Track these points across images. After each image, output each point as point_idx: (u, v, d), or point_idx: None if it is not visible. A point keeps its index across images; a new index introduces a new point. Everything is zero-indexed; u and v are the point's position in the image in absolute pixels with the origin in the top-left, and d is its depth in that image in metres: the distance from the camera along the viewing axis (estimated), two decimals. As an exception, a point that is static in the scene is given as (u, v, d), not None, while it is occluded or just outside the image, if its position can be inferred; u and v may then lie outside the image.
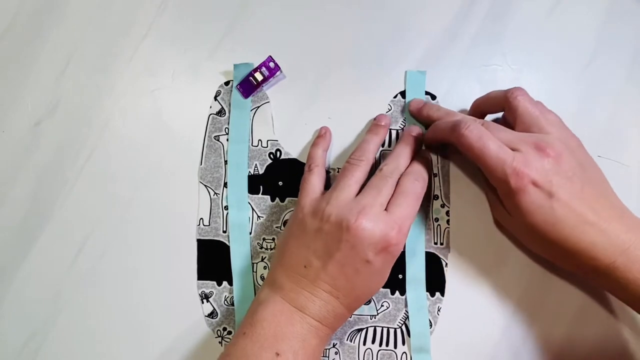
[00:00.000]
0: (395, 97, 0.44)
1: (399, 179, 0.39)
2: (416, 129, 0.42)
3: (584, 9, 0.44)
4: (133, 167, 0.43)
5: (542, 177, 0.34)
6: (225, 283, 0.42)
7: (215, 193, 0.43)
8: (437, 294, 0.42)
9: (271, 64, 0.43)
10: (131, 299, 0.42)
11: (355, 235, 0.35)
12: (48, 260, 0.42)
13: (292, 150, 0.43)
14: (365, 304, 0.42)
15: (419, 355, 0.41)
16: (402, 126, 0.43)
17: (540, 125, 0.37)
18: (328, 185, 0.42)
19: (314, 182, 0.40)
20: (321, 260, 0.36)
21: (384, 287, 0.42)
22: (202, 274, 0.42)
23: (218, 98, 0.44)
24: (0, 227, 0.43)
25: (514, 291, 0.42)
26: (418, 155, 0.41)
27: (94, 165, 0.43)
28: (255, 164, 0.43)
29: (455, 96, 0.43)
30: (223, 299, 0.42)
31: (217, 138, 0.43)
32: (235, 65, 0.44)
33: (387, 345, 0.42)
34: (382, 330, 0.42)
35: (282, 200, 0.43)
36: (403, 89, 0.44)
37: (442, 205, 0.42)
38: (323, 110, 0.44)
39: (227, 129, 0.43)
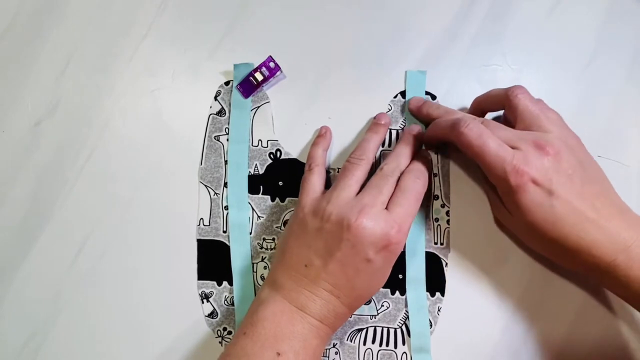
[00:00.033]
0: (395, 97, 0.44)
1: (400, 177, 0.39)
2: (416, 128, 0.42)
3: (584, 9, 0.44)
4: (133, 167, 0.43)
5: (542, 175, 0.34)
6: (225, 283, 0.42)
7: (215, 193, 0.43)
8: (437, 294, 0.42)
9: (271, 64, 0.43)
10: (131, 299, 0.42)
11: (356, 234, 0.35)
12: (48, 260, 0.42)
13: (292, 150, 0.43)
14: (365, 304, 0.42)
15: (419, 355, 0.41)
16: (402, 126, 0.43)
17: (540, 124, 0.37)
18: (328, 184, 0.42)
19: (314, 182, 0.40)
20: (322, 259, 0.36)
21: (384, 287, 0.41)
22: (202, 274, 0.42)
23: (218, 98, 0.44)
24: (0, 227, 0.43)
25: (514, 291, 0.42)
26: (418, 154, 0.41)
27: (94, 165, 0.43)
28: (256, 164, 0.43)
29: (455, 96, 0.43)
30: (223, 299, 0.42)
31: (217, 138, 0.43)
32: (235, 65, 0.44)
33: (387, 345, 0.42)
34: (382, 330, 0.42)
35: (282, 200, 0.43)
36: (403, 89, 0.44)
37: (442, 205, 0.42)
38: (323, 110, 0.44)
39: (227, 129, 0.43)
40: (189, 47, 0.44)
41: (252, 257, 0.43)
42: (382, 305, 0.42)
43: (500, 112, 0.42)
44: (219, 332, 0.42)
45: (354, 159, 0.40)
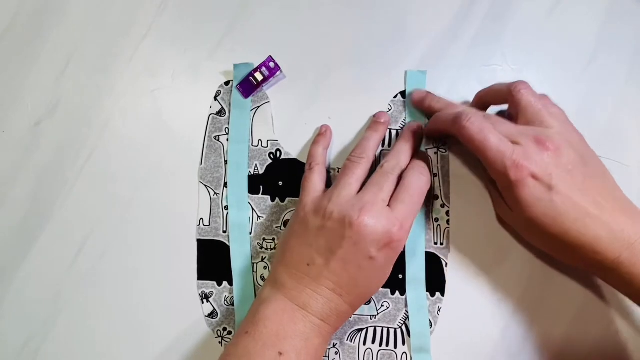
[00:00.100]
0: (395, 97, 0.44)
1: (403, 174, 0.39)
2: (416, 126, 0.42)
3: (584, 9, 0.44)
4: (133, 167, 0.43)
5: (542, 170, 0.34)
6: (225, 283, 0.42)
7: (215, 193, 0.43)
8: (437, 294, 0.42)
9: (271, 64, 0.43)
10: (131, 299, 0.42)
11: (358, 232, 0.35)
12: (48, 260, 0.42)
13: (292, 150, 0.43)
14: (365, 304, 0.42)
15: (419, 355, 0.41)
16: (402, 126, 0.43)
17: (541, 119, 0.37)
18: (329, 184, 0.42)
19: (315, 181, 0.40)
20: (324, 257, 0.36)
21: (384, 287, 0.42)
22: (202, 274, 0.42)
23: (218, 98, 0.44)
24: (0, 227, 0.43)
25: (514, 291, 0.42)
26: (418, 154, 0.41)
27: (94, 165, 0.43)
28: (256, 164, 0.43)
29: (455, 96, 0.43)
30: (223, 299, 0.42)
31: (217, 138, 0.43)
32: (235, 65, 0.44)
33: (387, 345, 0.42)
34: (382, 331, 0.42)
35: (282, 201, 0.43)
36: (403, 89, 0.44)
37: (442, 205, 0.42)
38: (323, 110, 0.44)
39: (227, 129, 0.43)
40: (189, 47, 0.44)
41: (252, 257, 0.43)
42: (382, 306, 0.42)
43: (502, 107, 0.42)
44: (218, 332, 0.42)
45: (354, 157, 0.40)
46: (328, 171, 0.43)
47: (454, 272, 0.42)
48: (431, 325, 0.42)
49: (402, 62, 0.44)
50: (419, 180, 0.38)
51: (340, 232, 0.35)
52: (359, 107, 0.44)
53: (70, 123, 0.44)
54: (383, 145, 0.43)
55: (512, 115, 0.39)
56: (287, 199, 0.43)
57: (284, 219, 0.43)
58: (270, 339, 0.34)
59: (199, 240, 0.43)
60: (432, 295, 0.42)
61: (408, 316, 0.42)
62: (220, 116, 0.44)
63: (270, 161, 0.43)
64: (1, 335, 0.42)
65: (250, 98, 0.44)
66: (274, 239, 0.43)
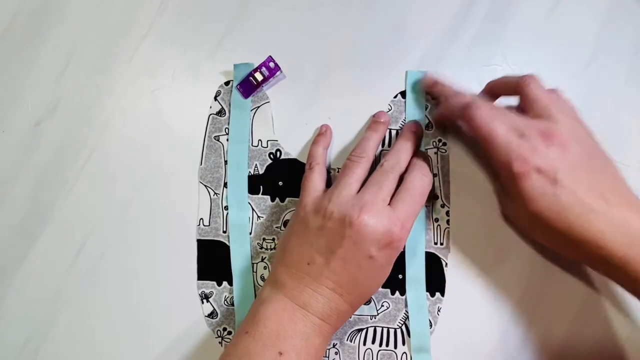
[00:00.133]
0: (395, 97, 0.44)
1: (406, 174, 0.39)
2: (416, 125, 0.42)
3: (584, 9, 0.44)
4: (133, 167, 0.43)
5: (547, 164, 0.34)
6: (225, 283, 0.42)
7: (215, 193, 0.43)
8: (437, 294, 0.42)
9: (271, 64, 0.43)
10: (131, 299, 0.42)
11: (358, 231, 0.35)
12: (48, 260, 0.42)
13: (292, 150, 0.43)
14: (365, 304, 0.42)
15: (419, 355, 0.41)
16: (402, 126, 0.43)
17: (549, 113, 0.36)
18: (329, 184, 0.42)
19: (315, 180, 0.40)
20: (324, 257, 0.36)
21: (384, 287, 0.42)
22: (202, 274, 0.42)
23: (218, 98, 0.44)
24: (0, 227, 0.43)
25: (514, 291, 0.42)
26: (418, 153, 0.41)
27: (94, 165, 0.43)
28: (255, 164, 0.43)
29: (455, 96, 0.43)
30: (223, 299, 0.42)
31: (217, 138, 0.43)
32: (235, 65, 0.44)
33: (387, 345, 0.42)
34: (382, 331, 0.42)
35: (282, 201, 0.43)
36: (403, 89, 0.44)
37: (442, 205, 0.42)
38: (323, 110, 0.44)
39: (227, 129, 0.43)
40: (189, 47, 0.44)
41: (252, 257, 0.43)
42: (382, 306, 0.42)
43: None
44: (218, 333, 0.42)
45: (354, 157, 0.40)
46: (328, 171, 0.43)
47: (454, 272, 0.42)
48: (431, 325, 0.42)
49: (402, 62, 0.44)
50: (421, 180, 0.38)
51: (340, 232, 0.35)
52: (359, 107, 0.44)
53: (70, 123, 0.44)
54: (383, 145, 0.43)
55: (521, 108, 0.39)
56: (287, 199, 0.43)
57: (284, 219, 0.43)
58: (270, 338, 0.34)
59: (199, 241, 0.43)
60: (432, 295, 0.42)
61: (408, 316, 0.42)
62: (220, 116, 0.44)
63: (270, 161, 0.43)
64: (1, 335, 0.42)
65: (250, 98, 0.44)
66: (274, 239, 0.43)
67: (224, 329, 0.42)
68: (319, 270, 0.36)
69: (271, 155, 0.43)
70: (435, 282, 0.42)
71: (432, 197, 0.42)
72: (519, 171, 0.34)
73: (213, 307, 0.42)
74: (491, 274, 0.42)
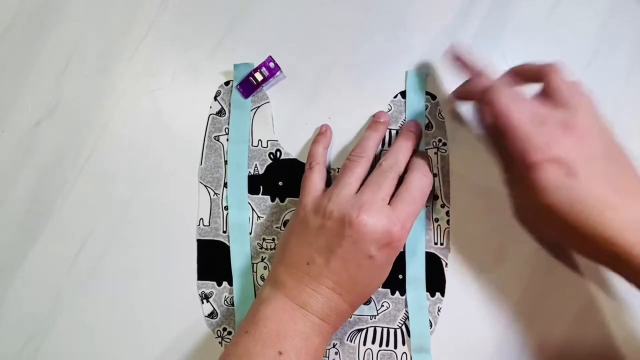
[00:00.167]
0: (395, 97, 0.44)
1: (406, 174, 0.39)
2: (415, 125, 0.42)
3: (584, 9, 0.44)
4: (133, 167, 0.43)
5: (564, 155, 0.33)
6: (225, 283, 0.42)
7: (215, 193, 0.43)
8: (437, 294, 0.42)
9: (271, 64, 0.42)
10: (131, 299, 0.42)
11: (358, 231, 0.35)
12: (48, 260, 0.42)
13: (292, 150, 0.43)
14: (365, 304, 0.42)
15: (419, 356, 0.41)
16: (402, 126, 0.43)
17: (570, 104, 0.35)
18: (329, 184, 0.42)
19: (315, 180, 0.40)
20: (324, 256, 0.36)
21: (384, 287, 0.42)
22: (202, 274, 0.42)
23: (218, 98, 0.44)
24: (0, 227, 0.43)
25: (514, 291, 0.42)
26: (418, 153, 0.41)
27: (94, 165, 0.43)
28: (255, 164, 0.43)
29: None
30: (223, 299, 0.42)
31: (217, 138, 0.43)
32: (235, 65, 0.44)
33: (387, 345, 0.42)
34: (382, 331, 0.42)
35: (282, 201, 0.43)
36: (403, 89, 0.44)
37: (442, 205, 0.42)
38: (323, 110, 0.44)
39: (227, 129, 0.43)
40: (189, 47, 0.44)
41: (252, 257, 0.43)
42: (382, 306, 0.42)
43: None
44: (218, 333, 0.42)
45: (354, 156, 0.40)
46: (328, 171, 0.43)
47: (454, 272, 0.42)
48: (431, 326, 0.42)
49: (402, 62, 0.44)
50: (422, 181, 0.38)
51: (340, 231, 0.35)
52: (359, 107, 0.44)
53: (70, 123, 0.44)
54: (383, 145, 0.43)
55: (543, 96, 0.37)
56: (287, 199, 0.43)
57: (284, 219, 0.43)
58: (270, 338, 0.34)
59: (199, 241, 0.43)
60: (432, 295, 0.42)
61: (408, 316, 0.42)
62: (220, 116, 0.44)
63: (270, 161, 0.43)
64: (1, 335, 0.42)
65: (250, 98, 0.44)
66: (273, 239, 0.43)
67: (224, 329, 0.42)
68: (318, 269, 0.36)
69: (271, 155, 0.43)
70: (436, 282, 0.42)
71: (432, 197, 0.42)
72: (535, 160, 0.33)
73: (213, 307, 0.42)
74: (491, 274, 0.42)
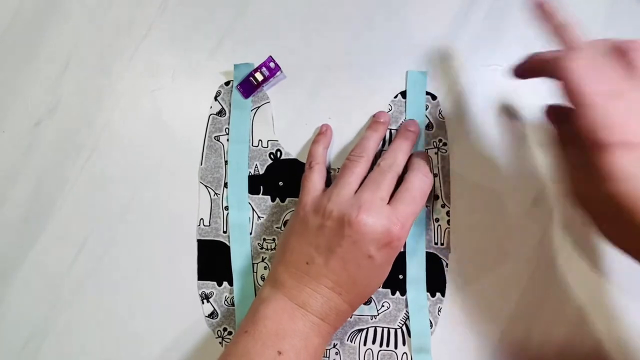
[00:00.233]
0: (395, 97, 0.44)
1: (406, 174, 0.39)
2: (414, 124, 0.42)
3: (584, 9, 0.44)
4: (133, 167, 0.43)
5: None
6: (225, 283, 0.42)
7: (215, 193, 0.43)
8: (438, 294, 0.42)
9: (271, 64, 0.42)
10: (131, 299, 0.42)
11: (357, 231, 0.35)
12: (48, 260, 0.42)
13: (293, 150, 0.43)
14: (365, 304, 0.42)
15: (420, 356, 0.41)
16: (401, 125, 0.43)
17: None
18: (329, 184, 0.42)
19: (315, 180, 0.40)
20: (323, 256, 0.36)
21: (384, 287, 0.42)
22: (203, 275, 0.42)
23: (218, 98, 0.44)
24: (0, 227, 0.43)
25: (514, 291, 0.42)
26: (418, 153, 0.41)
27: (94, 165, 0.43)
28: (256, 164, 0.43)
29: (455, 96, 0.43)
30: (223, 300, 0.42)
31: (217, 138, 0.43)
32: (236, 66, 0.44)
33: (387, 345, 0.42)
34: (382, 331, 0.42)
35: (283, 201, 0.43)
36: (403, 89, 0.44)
37: (442, 205, 0.42)
38: (323, 110, 0.44)
39: (227, 129, 0.43)
40: (189, 47, 0.44)
41: (252, 257, 0.42)
42: (383, 306, 0.42)
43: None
44: (219, 333, 0.42)
45: (353, 156, 0.40)
46: (328, 171, 0.43)
47: (454, 272, 0.42)
48: (431, 326, 0.42)
49: (402, 62, 0.44)
50: (422, 182, 0.38)
51: (339, 231, 0.35)
52: (359, 107, 0.44)
53: (70, 123, 0.44)
54: (383, 145, 0.43)
55: (628, 71, 0.31)
56: (288, 199, 0.43)
57: (284, 219, 0.43)
58: (269, 338, 0.34)
59: (199, 241, 0.43)
60: (433, 295, 0.42)
61: (408, 316, 0.42)
62: (220, 116, 0.44)
63: (270, 161, 0.43)
64: (1, 335, 0.42)
65: (250, 98, 0.44)
66: (274, 239, 0.43)
67: (224, 329, 0.42)
68: (318, 269, 0.36)
69: (271, 156, 0.43)
70: (436, 282, 0.42)
71: (432, 197, 0.42)
72: (605, 142, 0.28)
73: (213, 307, 0.42)
74: (492, 274, 0.42)
